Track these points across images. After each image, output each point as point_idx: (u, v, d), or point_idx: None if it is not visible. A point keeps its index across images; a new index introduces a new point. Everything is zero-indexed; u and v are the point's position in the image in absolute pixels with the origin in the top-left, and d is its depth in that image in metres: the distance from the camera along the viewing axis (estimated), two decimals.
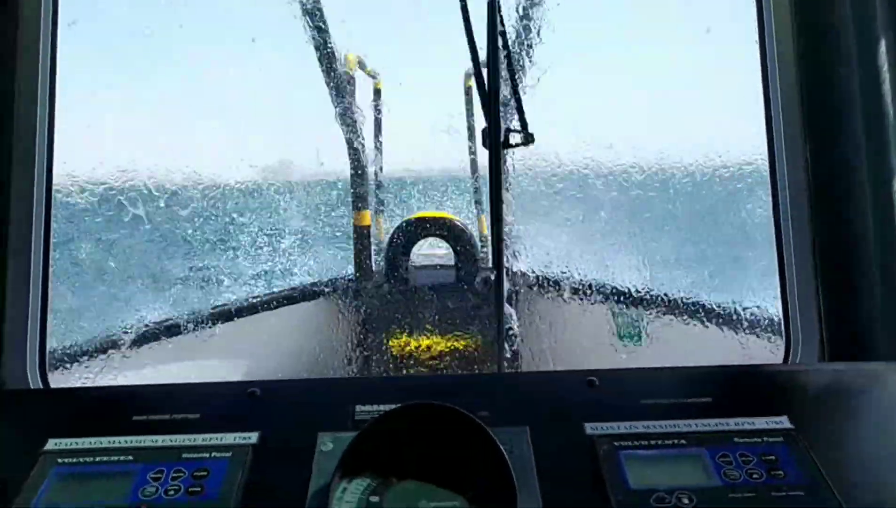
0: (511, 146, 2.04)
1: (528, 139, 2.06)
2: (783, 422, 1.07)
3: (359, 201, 4.04)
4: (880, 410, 1.10)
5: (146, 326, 2.98)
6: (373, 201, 4.68)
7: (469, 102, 5.35)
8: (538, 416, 1.10)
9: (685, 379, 1.17)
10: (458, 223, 4.21)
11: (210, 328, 3.34)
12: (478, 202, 5.23)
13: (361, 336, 3.99)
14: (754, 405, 1.10)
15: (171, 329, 3.11)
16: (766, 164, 1.53)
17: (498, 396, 1.15)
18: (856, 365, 1.20)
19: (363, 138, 3.88)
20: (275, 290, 4.06)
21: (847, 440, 1.07)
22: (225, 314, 3.52)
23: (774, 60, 1.42)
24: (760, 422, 1.07)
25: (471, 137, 5.38)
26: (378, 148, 5.14)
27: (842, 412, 1.11)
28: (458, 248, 4.15)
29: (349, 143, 3.85)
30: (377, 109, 5.19)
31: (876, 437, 1.07)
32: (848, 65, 1.30)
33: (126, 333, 2.75)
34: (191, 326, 3.22)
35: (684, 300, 3.28)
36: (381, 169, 5.25)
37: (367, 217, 4.10)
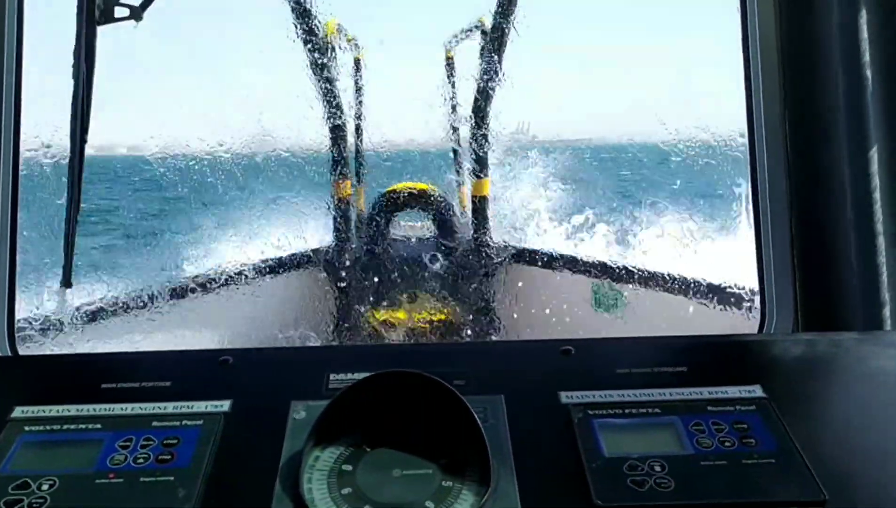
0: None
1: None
2: (756, 391, 1.07)
3: (339, 172, 4.00)
4: (853, 380, 1.11)
5: (120, 298, 2.95)
6: (353, 172, 4.64)
7: (450, 74, 5.32)
8: (513, 385, 1.10)
9: (660, 349, 1.17)
10: (438, 195, 4.19)
11: (185, 299, 3.31)
12: (458, 174, 5.22)
13: (339, 308, 3.98)
14: (728, 374, 1.10)
15: (145, 300, 3.08)
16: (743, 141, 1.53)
17: (473, 365, 1.15)
18: (830, 335, 1.21)
19: (343, 108, 3.84)
20: (252, 261, 4.03)
21: (819, 408, 1.07)
22: (201, 286, 3.49)
23: (755, 22, 1.41)
24: (734, 391, 1.07)
25: (452, 109, 5.35)
26: (358, 118, 5.09)
27: (815, 382, 1.11)
28: (438, 220, 4.14)
29: (329, 112, 3.80)
30: (357, 80, 5.14)
31: (848, 406, 1.08)
32: (828, 23, 1.29)
33: (99, 304, 2.71)
34: (165, 297, 3.19)
35: (661, 273, 3.30)
36: (361, 140, 5.21)
37: (348, 188, 4.07)
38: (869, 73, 1.30)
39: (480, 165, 3.96)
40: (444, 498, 0.92)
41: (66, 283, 1.59)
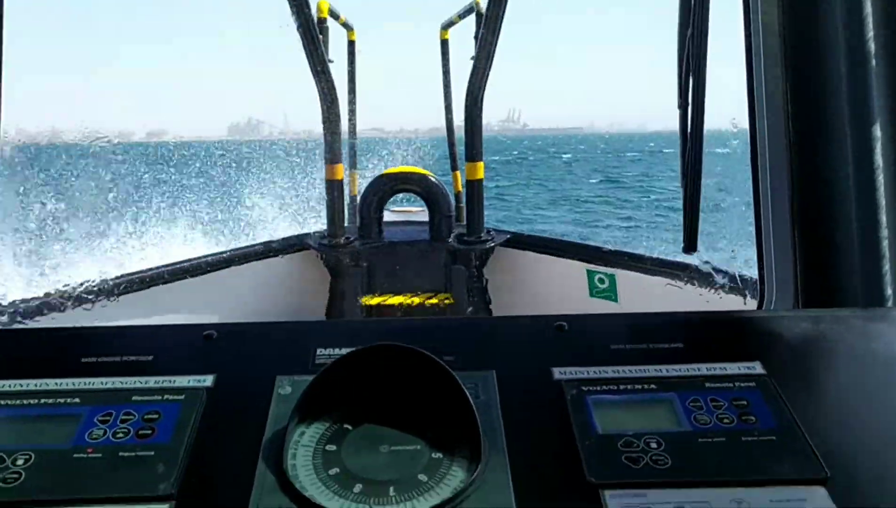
0: None
1: None
2: (756, 368, 1.04)
3: (332, 155, 3.96)
4: (854, 356, 1.08)
5: (110, 278, 2.91)
6: (346, 157, 4.60)
7: (445, 57, 5.27)
8: (505, 361, 1.06)
9: (657, 325, 1.14)
10: (433, 179, 4.15)
11: (175, 281, 3.28)
12: (452, 158, 5.18)
13: (332, 292, 3.95)
14: (727, 351, 1.07)
15: (134, 281, 3.04)
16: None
17: (464, 340, 1.12)
18: (831, 312, 1.18)
19: (335, 90, 3.79)
20: (244, 244, 3.99)
21: (820, 386, 1.04)
22: (192, 269, 3.45)
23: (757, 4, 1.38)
24: (733, 368, 1.04)
25: (446, 92, 5.31)
26: (352, 101, 5.05)
27: (815, 359, 1.09)
28: (432, 204, 4.10)
29: (322, 94, 3.75)
30: (351, 61, 5.09)
31: (849, 383, 1.05)
32: (830, 1, 1.26)
33: (85, 285, 2.67)
34: (156, 279, 3.15)
35: (659, 258, 3.27)
36: (355, 122, 5.16)
37: (341, 171, 4.03)
38: (872, 49, 1.27)
39: (474, 148, 3.92)
40: (435, 473, 0.89)
41: None
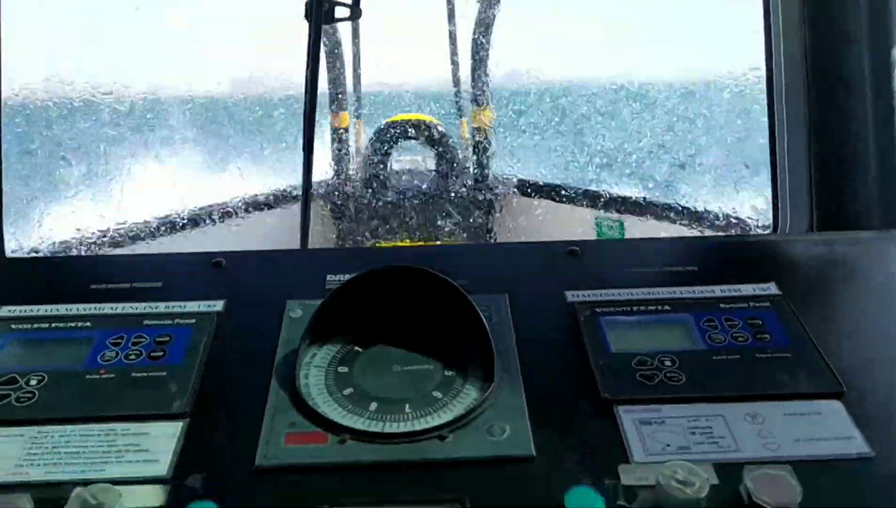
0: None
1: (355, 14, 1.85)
2: (770, 288, 1.03)
3: (337, 103, 3.91)
4: (869, 277, 1.07)
5: (112, 230, 2.90)
6: (352, 106, 4.55)
7: (449, 4, 5.18)
8: (518, 284, 1.06)
9: (671, 249, 1.13)
10: (439, 126, 4.11)
11: (181, 232, 3.27)
12: (459, 106, 5.12)
13: (338, 242, 3.94)
14: (741, 273, 1.06)
15: (140, 233, 3.04)
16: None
17: (476, 265, 1.11)
18: (846, 234, 1.17)
19: (340, 37, 3.73)
20: (249, 194, 3.97)
21: (835, 306, 1.04)
22: (196, 219, 3.45)
23: None
24: (747, 289, 1.03)
25: (451, 38, 5.22)
26: (356, 49, 4.98)
27: (830, 280, 1.08)
28: (439, 152, 4.07)
29: (326, 42, 3.69)
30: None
31: (864, 303, 1.04)
32: None
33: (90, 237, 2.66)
34: (162, 229, 3.14)
35: (668, 204, 3.24)
36: (360, 72, 5.10)
37: (346, 119, 3.98)
38: None
39: (481, 94, 3.87)
40: (449, 390, 0.89)
41: None
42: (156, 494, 0.77)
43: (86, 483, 0.76)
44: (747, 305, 1.01)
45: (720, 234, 1.21)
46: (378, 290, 0.97)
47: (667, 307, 1.01)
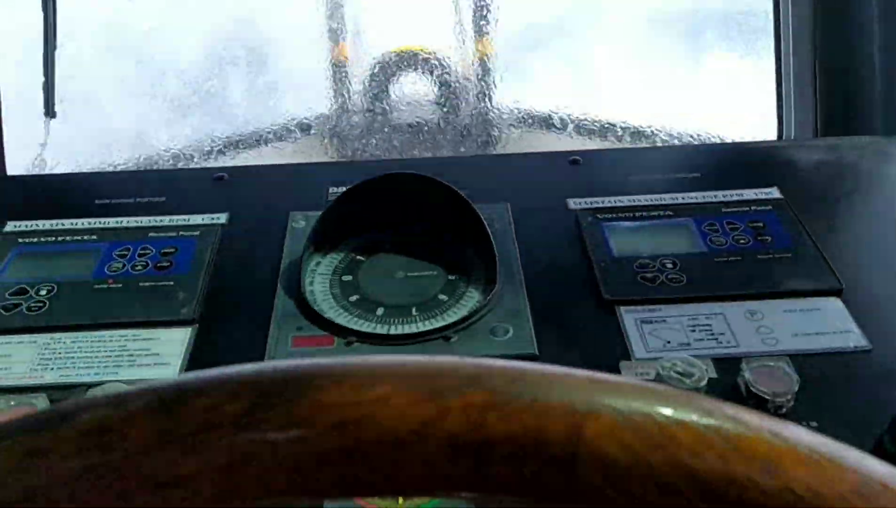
0: None
1: None
2: (773, 193, 1.03)
3: (335, 34, 3.84)
4: (873, 181, 1.07)
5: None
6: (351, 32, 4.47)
7: None
8: (519, 193, 1.06)
9: (673, 156, 1.12)
10: (441, 56, 4.05)
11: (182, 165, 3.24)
12: (459, 33, 5.03)
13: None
14: (744, 178, 1.06)
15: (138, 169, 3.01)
16: None
17: (477, 175, 1.11)
18: (850, 139, 1.16)
19: None
20: (249, 130, 3.93)
21: (838, 209, 1.04)
22: (195, 154, 3.42)
23: None
24: (749, 193, 1.03)
25: None
26: None
27: (833, 184, 1.07)
28: (441, 82, 4.02)
29: None
30: None
31: (867, 206, 1.04)
32: None
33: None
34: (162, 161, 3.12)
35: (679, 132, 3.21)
36: None
37: (345, 51, 3.92)
38: None
39: (483, 20, 3.80)
40: (454, 293, 0.90)
41: (50, 112, 1.50)
42: None
43: (99, 384, 0.78)
44: (749, 208, 1.01)
45: (724, 141, 1.20)
46: (379, 197, 0.97)
47: (669, 212, 1.02)
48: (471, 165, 1.17)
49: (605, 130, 3.67)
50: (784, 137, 1.27)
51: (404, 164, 1.23)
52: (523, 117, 4.01)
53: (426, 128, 3.95)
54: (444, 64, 4.09)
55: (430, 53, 4.13)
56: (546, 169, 1.13)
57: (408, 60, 4.07)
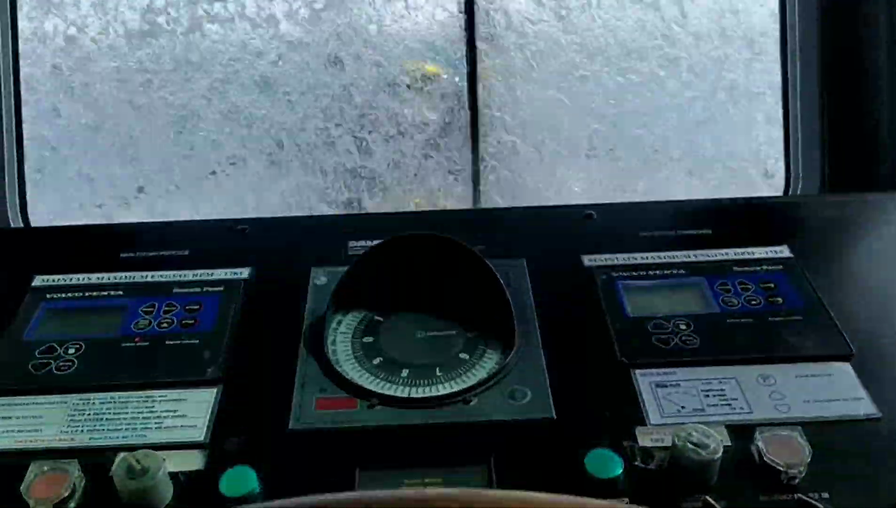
0: None
1: None
2: (783, 251, 1.06)
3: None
4: (881, 239, 1.09)
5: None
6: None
7: None
8: (535, 249, 1.08)
9: (685, 212, 1.15)
10: (443, 75, 4.07)
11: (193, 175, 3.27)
12: (466, 54, 5.06)
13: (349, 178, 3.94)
14: (754, 236, 1.08)
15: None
16: None
17: (493, 230, 1.13)
18: (858, 196, 1.18)
19: None
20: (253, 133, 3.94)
21: (847, 268, 1.06)
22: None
23: None
24: (760, 252, 1.06)
25: None
26: None
27: (843, 242, 1.10)
28: (443, 99, 4.04)
29: None
30: None
31: (877, 265, 1.06)
32: None
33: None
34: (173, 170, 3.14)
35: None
36: None
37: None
38: None
39: (486, 43, 3.83)
40: (474, 352, 0.93)
41: None
42: (195, 458, 0.81)
43: (128, 448, 0.80)
44: (760, 268, 1.03)
45: (733, 196, 1.23)
46: (399, 257, 1.00)
47: (682, 271, 1.04)
48: (488, 218, 1.19)
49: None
50: (791, 191, 1.29)
51: (420, 216, 1.25)
52: (528, 135, 4.02)
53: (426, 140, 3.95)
54: (448, 82, 4.10)
55: (434, 72, 4.15)
56: (561, 224, 1.15)
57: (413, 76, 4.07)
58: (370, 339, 0.95)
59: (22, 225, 1.28)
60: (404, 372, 0.90)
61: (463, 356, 0.93)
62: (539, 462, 0.81)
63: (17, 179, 1.27)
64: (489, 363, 0.92)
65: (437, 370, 0.90)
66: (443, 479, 0.78)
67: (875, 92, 1.24)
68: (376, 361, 0.92)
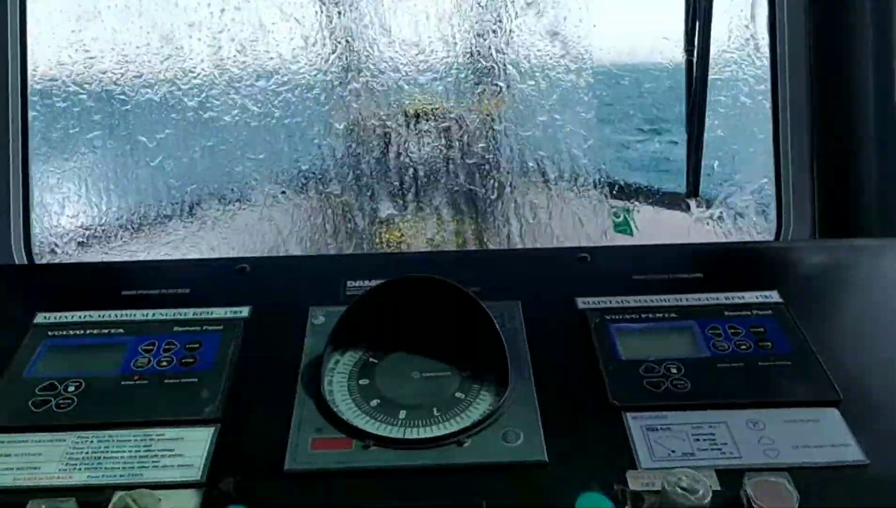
0: None
1: None
2: (773, 296, 1.07)
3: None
4: (871, 285, 1.11)
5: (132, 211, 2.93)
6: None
7: None
8: (530, 291, 1.10)
9: (677, 256, 1.17)
10: (450, 112, 4.12)
11: (197, 213, 3.30)
12: (471, 90, 5.12)
13: (350, 223, 3.97)
14: (745, 280, 1.10)
15: (156, 216, 3.06)
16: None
17: (490, 272, 1.15)
18: (848, 242, 1.20)
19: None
20: (259, 177, 3.98)
21: (836, 313, 1.08)
22: (213, 199, 3.47)
23: None
24: (750, 296, 1.07)
25: (465, 20, 5.20)
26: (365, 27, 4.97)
27: (832, 287, 1.12)
28: (449, 136, 4.09)
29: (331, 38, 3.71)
30: None
31: (865, 311, 1.08)
32: None
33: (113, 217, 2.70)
34: (178, 211, 3.17)
35: (676, 193, 3.26)
36: (370, 51, 5.09)
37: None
38: None
39: (494, 78, 3.88)
40: (469, 393, 0.94)
41: None
42: (191, 498, 0.82)
43: (125, 486, 0.81)
44: (750, 312, 1.05)
45: (725, 240, 1.25)
46: (396, 298, 1.01)
47: (673, 315, 1.06)
48: (484, 260, 1.21)
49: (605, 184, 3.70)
50: (783, 236, 1.31)
51: (417, 257, 1.27)
52: (529, 171, 4.04)
53: (434, 178, 3.98)
54: (453, 118, 4.14)
55: (440, 108, 4.19)
56: (556, 266, 1.17)
57: (419, 113, 4.12)
58: (366, 381, 0.96)
59: (26, 262, 1.30)
60: (402, 413, 0.91)
61: (459, 395, 0.94)
62: (531, 504, 0.82)
63: (22, 217, 1.29)
64: (483, 403, 0.93)
65: (435, 409, 0.92)
66: None
67: (863, 142, 1.26)
68: (374, 402, 0.93)
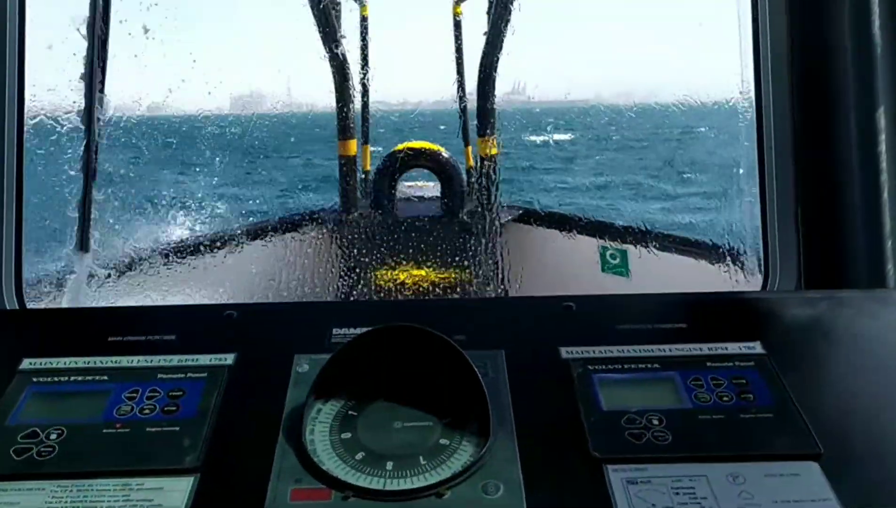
0: None
1: None
2: (756, 348, 1.08)
3: (344, 131, 3.99)
4: (853, 337, 1.11)
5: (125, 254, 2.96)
6: (359, 132, 4.62)
7: (458, 33, 5.25)
8: (514, 340, 1.11)
9: (661, 306, 1.17)
10: (445, 155, 4.17)
11: (190, 258, 3.33)
12: (464, 134, 5.19)
13: (345, 268, 4.00)
14: (729, 331, 1.11)
15: (150, 258, 3.09)
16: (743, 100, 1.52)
17: (474, 320, 1.16)
18: (832, 293, 1.21)
19: (349, 66, 3.80)
20: (257, 221, 4.03)
21: (819, 366, 1.08)
22: (206, 245, 3.51)
23: None
24: (733, 347, 1.08)
25: (458, 69, 5.28)
26: (364, 76, 5.06)
27: (815, 339, 1.12)
28: (445, 179, 4.13)
29: (334, 71, 3.77)
30: (364, 37, 5.08)
31: (848, 363, 1.08)
32: None
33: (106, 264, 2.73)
34: (170, 255, 3.20)
35: (671, 235, 3.29)
36: (367, 99, 5.17)
37: (353, 147, 4.06)
38: (877, 28, 1.28)
39: (487, 124, 3.93)
40: (447, 447, 0.94)
41: (83, 247, 1.58)
42: None
43: None
44: (733, 364, 1.05)
45: (710, 291, 1.26)
46: (379, 347, 1.02)
47: (656, 365, 1.06)
48: (470, 308, 1.22)
49: (599, 227, 3.74)
50: (769, 287, 1.32)
51: (402, 306, 1.28)
52: (522, 214, 4.08)
53: (430, 223, 4.02)
54: (448, 161, 4.19)
55: (435, 151, 4.24)
56: (540, 314, 1.18)
57: (415, 156, 4.18)
58: (348, 434, 0.96)
59: (17, 307, 1.31)
60: (387, 464, 0.91)
61: (443, 441, 0.94)
62: None
63: (13, 262, 1.30)
64: (464, 454, 0.93)
65: (408, 461, 0.91)
66: None
67: (849, 194, 1.28)
68: (347, 441, 0.93)
